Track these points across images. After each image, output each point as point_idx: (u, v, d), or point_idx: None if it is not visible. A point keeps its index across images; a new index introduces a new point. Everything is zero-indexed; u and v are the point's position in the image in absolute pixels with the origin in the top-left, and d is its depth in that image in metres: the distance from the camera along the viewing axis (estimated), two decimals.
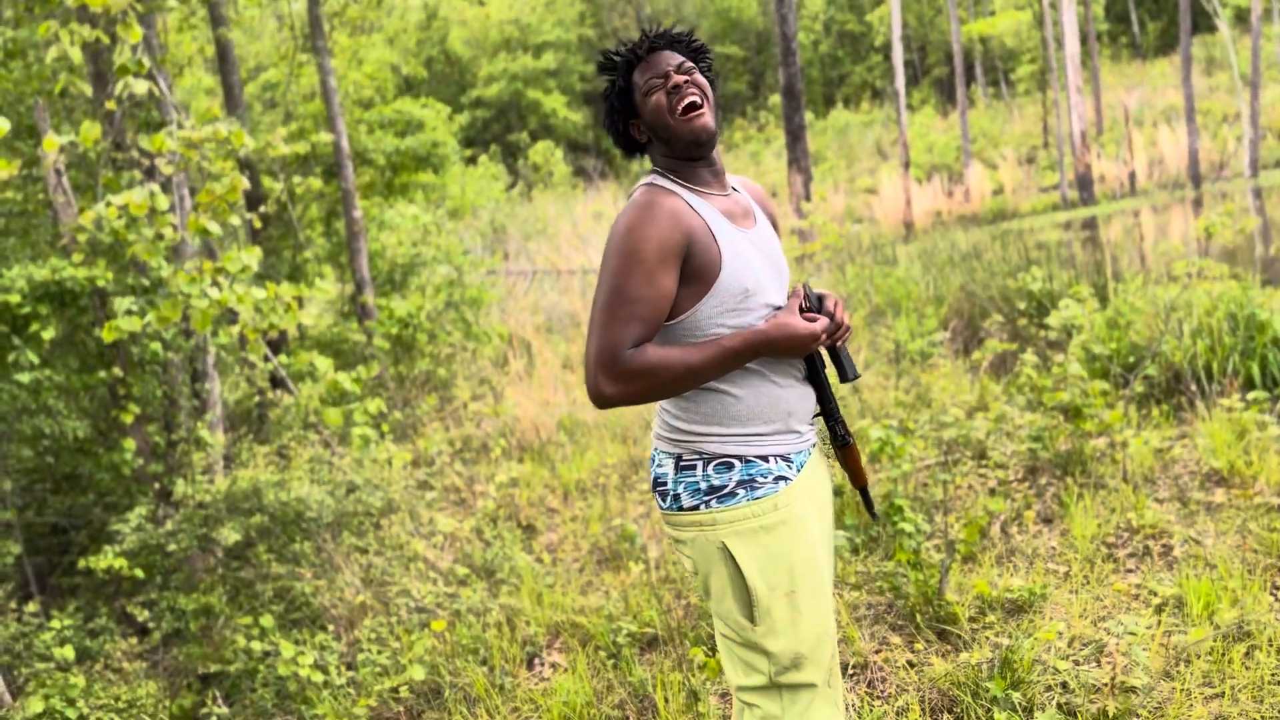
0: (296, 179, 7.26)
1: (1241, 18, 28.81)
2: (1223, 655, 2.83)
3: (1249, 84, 19.30)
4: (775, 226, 2.17)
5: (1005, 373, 6.16)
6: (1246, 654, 2.84)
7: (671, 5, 36.83)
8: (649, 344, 1.88)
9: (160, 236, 3.49)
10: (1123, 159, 20.27)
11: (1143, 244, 12.77)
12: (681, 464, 1.97)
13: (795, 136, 13.00)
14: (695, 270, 1.90)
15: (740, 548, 1.93)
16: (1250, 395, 4.46)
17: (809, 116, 30.64)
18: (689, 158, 1.99)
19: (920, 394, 5.55)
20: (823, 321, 1.93)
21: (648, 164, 2.07)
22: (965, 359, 6.59)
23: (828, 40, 40.14)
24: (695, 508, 1.95)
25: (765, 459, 1.97)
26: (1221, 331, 5.13)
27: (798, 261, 10.49)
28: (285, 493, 4.77)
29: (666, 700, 3.08)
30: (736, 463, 1.95)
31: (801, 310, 1.97)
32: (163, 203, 3.36)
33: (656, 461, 2.03)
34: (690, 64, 2.00)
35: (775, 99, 33.19)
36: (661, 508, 2.03)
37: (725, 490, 1.94)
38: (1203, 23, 31.23)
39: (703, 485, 1.95)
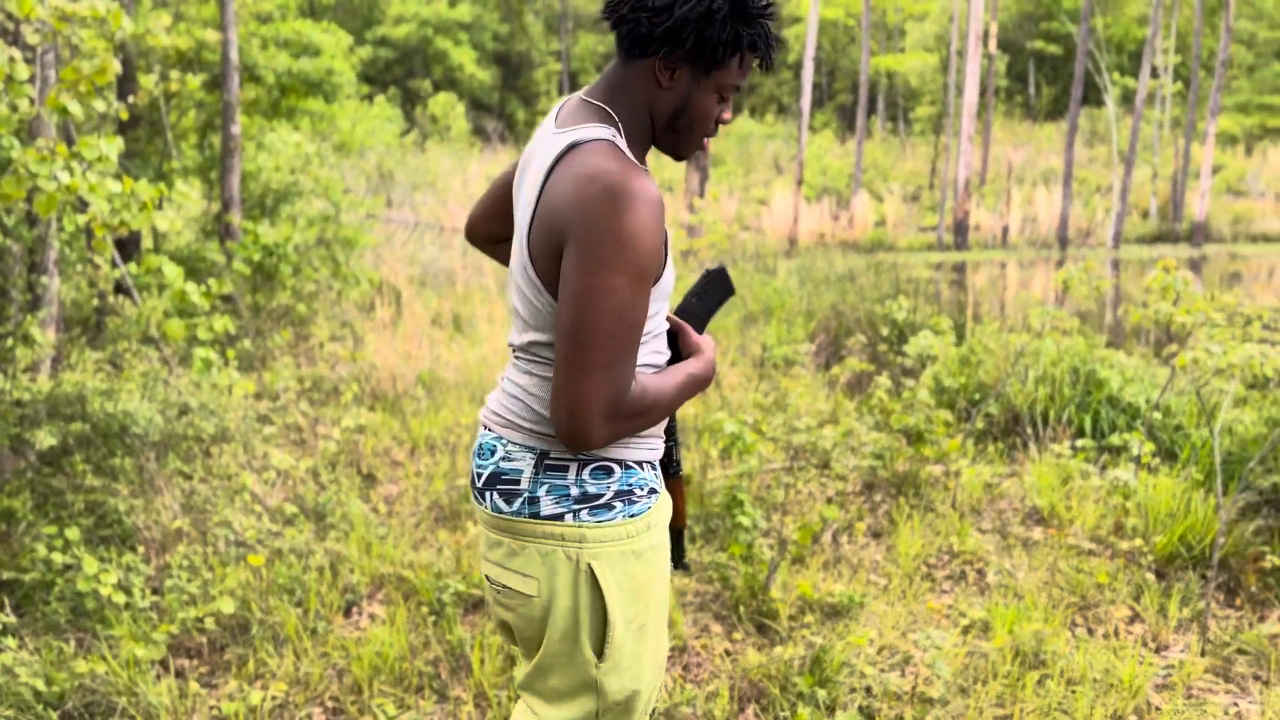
0: (174, 74, 6.85)
1: (1128, 98, 30.52)
2: (1017, 680, 2.97)
3: (1124, 161, 20.46)
4: None
5: (860, 392, 6.34)
6: (1039, 681, 2.99)
7: None
8: (627, 391, 1.56)
9: (14, 109, 3.22)
10: (1000, 211, 21.20)
11: (1005, 293, 13.40)
12: (548, 463, 1.65)
13: None
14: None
15: (608, 573, 1.65)
16: (1079, 443, 4.71)
17: None
18: (653, 144, 1.70)
19: (778, 399, 5.66)
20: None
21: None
22: (825, 373, 6.76)
23: None
24: (559, 517, 1.64)
25: (643, 465, 1.71)
26: (1063, 383, 5.41)
27: (683, 256, 10.57)
28: (112, 404, 4.50)
29: (483, 662, 3.04)
30: (616, 468, 1.67)
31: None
32: (22, 72, 3.10)
33: (500, 454, 1.69)
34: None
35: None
36: (503, 511, 1.68)
37: (600, 501, 1.65)
38: (1093, 96, 32.96)
39: (574, 491, 1.64)
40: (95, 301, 6.23)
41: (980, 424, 5.38)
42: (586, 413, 1.51)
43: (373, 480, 4.91)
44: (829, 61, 39.62)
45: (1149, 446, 4.36)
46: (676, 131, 1.66)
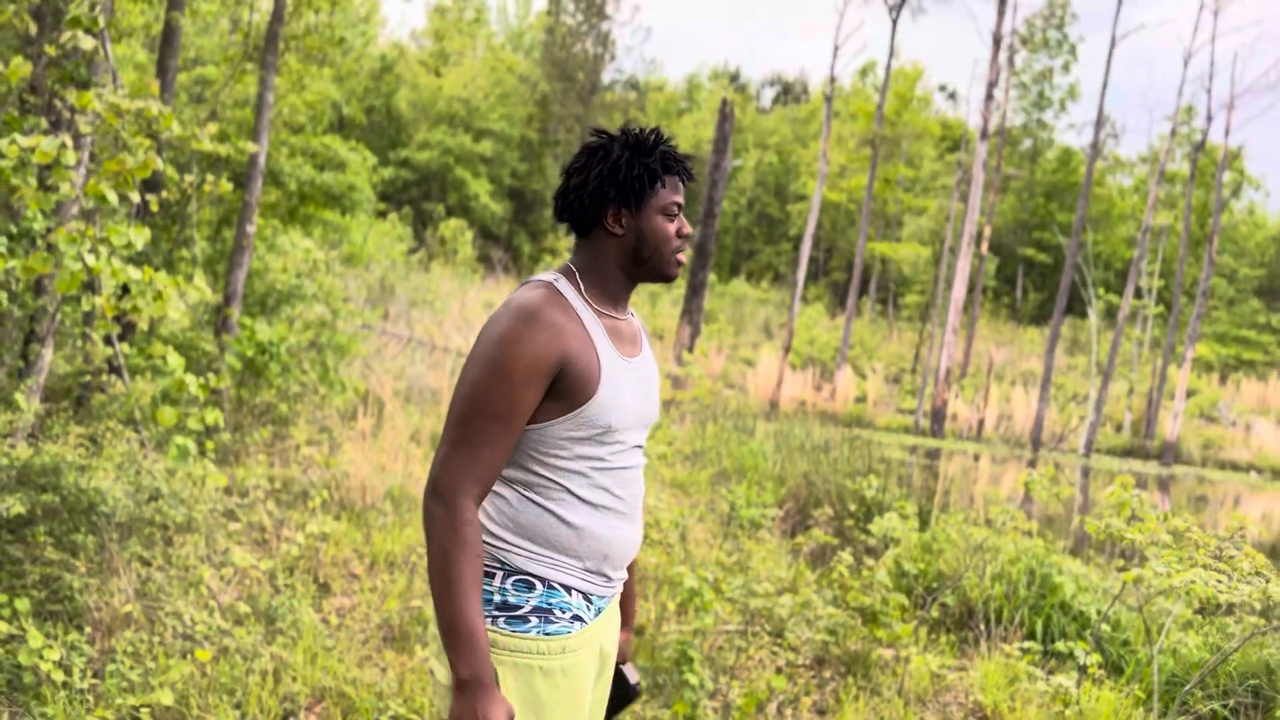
0: (209, 176, 7.16)
1: (1111, 313, 31.56)
2: None
3: (1103, 373, 21.03)
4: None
5: (823, 563, 6.40)
6: None
7: None
8: (477, 526, 1.74)
9: (53, 189, 3.40)
10: (977, 405, 21.63)
11: (974, 485, 13.56)
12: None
13: (695, 291, 13.49)
14: (564, 390, 1.78)
15: (510, 683, 1.76)
16: (1027, 645, 4.77)
17: (712, 278, 31.77)
18: (637, 280, 1.94)
19: (741, 560, 5.72)
20: None
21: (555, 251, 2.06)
22: (790, 540, 6.82)
23: (748, 215, 42.07)
24: (512, 632, 1.78)
25: (569, 590, 1.83)
26: (1019, 582, 5.49)
27: (665, 406, 10.74)
28: (86, 479, 4.54)
29: None
30: (538, 584, 1.80)
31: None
32: (70, 158, 3.29)
33: None
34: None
35: (687, 254, 34.34)
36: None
37: (518, 612, 1.79)
38: (1078, 307, 34.08)
39: (495, 598, 1.79)
40: (84, 377, 6.30)
41: (935, 613, 5.43)
42: (442, 477, 1.74)
43: (328, 590, 4.90)
44: (828, 239, 40.99)
45: (1095, 658, 4.42)
46: (647, 261, 1.92)
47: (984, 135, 20.47)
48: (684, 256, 1.94)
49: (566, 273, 1.90)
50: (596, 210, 1.88)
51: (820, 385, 22.91)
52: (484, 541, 1.80)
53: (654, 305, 28.40)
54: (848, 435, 14.17)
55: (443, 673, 1.82)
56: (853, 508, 7.65)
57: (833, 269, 41.38)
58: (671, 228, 1.91)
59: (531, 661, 1.77)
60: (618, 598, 2.00)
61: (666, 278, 1.94)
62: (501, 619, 1.77)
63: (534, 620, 1.78)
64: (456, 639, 1.68)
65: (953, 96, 41.69)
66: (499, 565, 1.80)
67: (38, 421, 5.80)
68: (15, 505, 4.30)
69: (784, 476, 8.86)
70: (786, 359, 21.00)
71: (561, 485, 1.82)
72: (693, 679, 3.63)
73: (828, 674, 4.61)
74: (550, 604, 1.79)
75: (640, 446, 1.94)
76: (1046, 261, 38.62)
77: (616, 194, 1.87)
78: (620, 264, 1.91)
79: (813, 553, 6.64)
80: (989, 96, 20.74)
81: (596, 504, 1.83)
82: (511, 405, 1.74)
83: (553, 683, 1.78)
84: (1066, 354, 30.27)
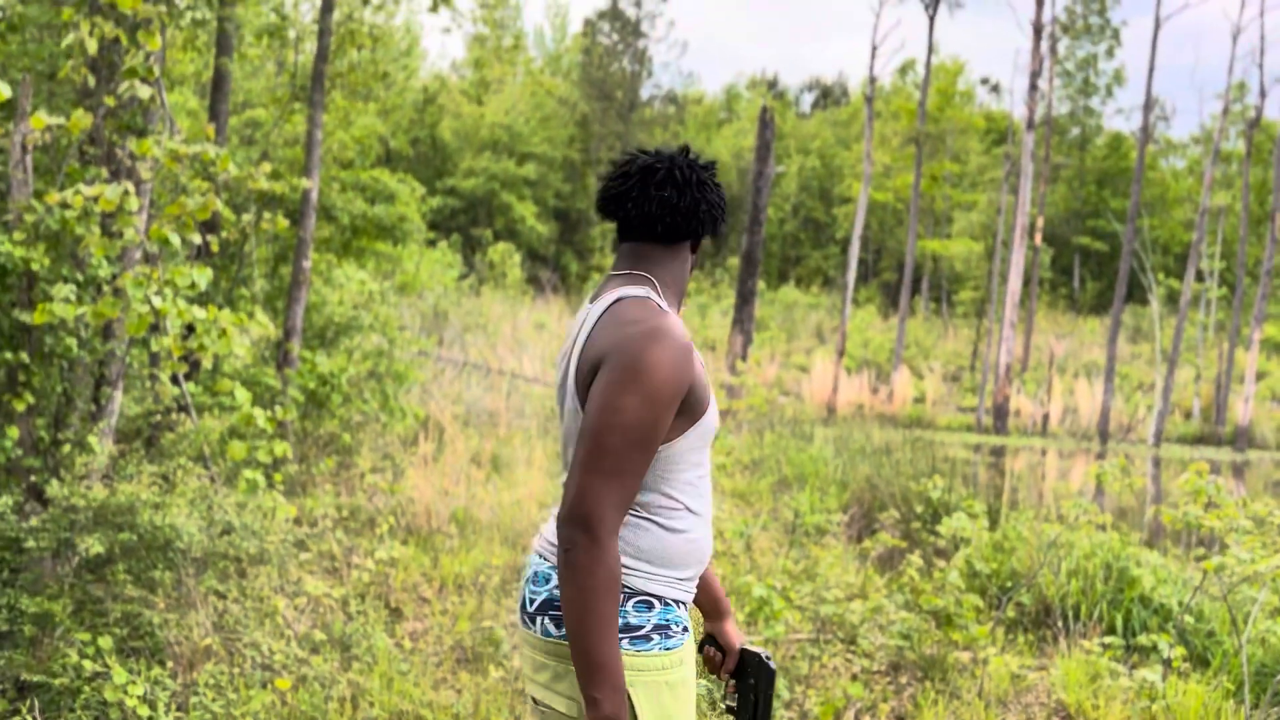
0: (266, 215, 7.34)
1: (1173, 299, 30.86)
2: None
3: (1168, 360, 20.55)
4: None
5: (892, 568, 6.32)
6: None
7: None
8: (620, 556, 1.76)
9: (117, 235, 3.50)
10: (1040, 399, 21.24)
11: (1043, 481, 13.31)
12: None
13: (745, 300, 13.46)
14: (689, 405, 1.81)
15: (644, 702, 1.77)
16: (1108, 640, 4.66)
17: (761, 285, 31.68)
18: (679, 306, 2.00)
19: (808, 568, 5.67)
20: None
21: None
22: (856, 545, 6.75)
23: (794, 221, 41.88)
24: (625, 644, 1.77)
25: (680, 604, 1.85)
26: (1096, 577, 5.37)
27: (721, 416, 10.72)
28: (161, 517, 4.65)
29: None
30: (656, 604, 1.82)
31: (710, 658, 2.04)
32: (133, 204, 3.39)
33: (554, 582, 1.83)
34: None
35: (734, 261, 34.28)
36: (552, 635, 1.81)
37: (640, 632, 1.79)
38: (1138, 294, 33.36)
39: (618, 621, 1.75)
40: (155, 418, 6.46)
41: (1011, 613, 5.33)
42: (591, 510, 1.70)
43: (399, 615, 4.96)
44: (876, 240, 40.65)
45: (1179, 650, 4.31)
46: (681, 287, 2.01)
47: (1030, 126, 20.18)
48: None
49: (649, 284, 1.93)
50: (693, 228, 1.95)
51: (877, 388, 22.68)
52: None
53: (704, 317, 28.38)
54: (908, 436, 14.01)
55: (562, 704, 1.82)
56: (919, 509, 7.55)
57: (883, 270, 41.01)
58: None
59: (659, 678, 1.80)
60: None
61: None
62: (626, 640, 1.78)
63: (656, 638, 1.81)
64: (599, 675, 1.68)
65: (996, 89, 41.20)
66: (622, 589, 1.79)
67: (111, 463, 5.95)
68: (95, 545, 4.42)
69: (846, 481, 8.77)
70: (841, 363, 20.83)
71: (679, 500, 1.85)
72: None
73: (904, 679, 4.54)
74: (668, 620, 1.83)
75: None
76: (1103, 249, 37.90)
77: (712, 219, 1.97)
78: (681, 285, 2.00)
79: (880, 557, 6.56)
80: (1033, 87, 20.45)
81: (700, 512, 1.89)
82: (657, 432, 1.75)
83: (677, 695, 1.82)
84: (1129, 342, 29.64)
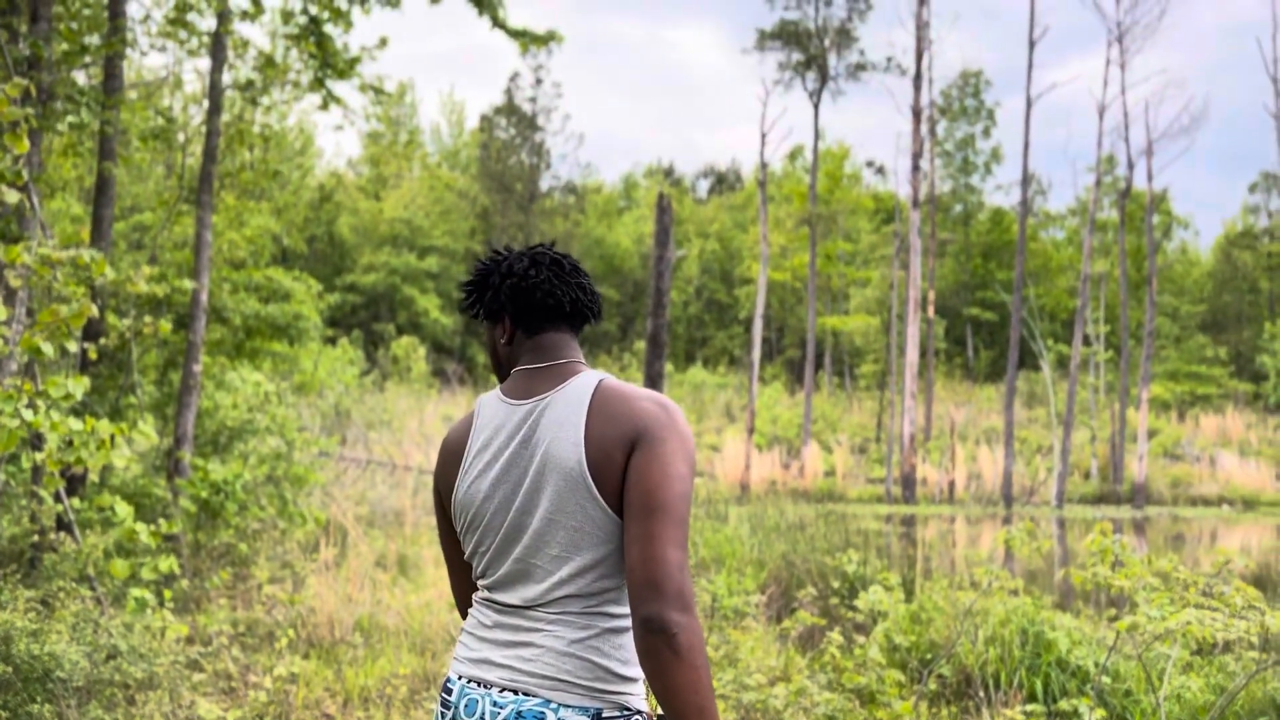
0: (147, 319, 7.09)
1: (1063, 363, 32.07)
2: None
3: (1063, 423, 21.25)
4: None
5: (812, 645, 6.25)
6: None
7: (562, 239, 38.60)
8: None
9: None
10: (945, 467, 21.69)
11: (954, 549, 13.49)
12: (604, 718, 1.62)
13: (653, 382, 13.46)
14: None
15: None
16: (1029, 708, 4.65)
17: (669, 367, 31.91)
18: None
19: (729, 653, 5.56)
20: None
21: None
22: (776, 625, 6.67)
23: (697, 303, 42.55)
24: None
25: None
26: (1012, 643, 5.39)
27: None
28: (39, 645, 4.32)
29: None
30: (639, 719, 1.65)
31: None
32: (2, 313, 3.21)
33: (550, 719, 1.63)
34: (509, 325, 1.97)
35: (640, 345, 34.55)
36: None
37: None
38: (1029, 360, 34.60)
39: None
40: (33, 538, 6.08)
41: (933, 685, 5.29)
42: (683, 585, 1.54)
43: None
44: (778, 318, 41.49)
45: (1100, 713, 4.32)
46: None
47: (915, 204, 20.99)
48: None
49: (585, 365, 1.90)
50: (595, 312, 1.92)
51: (788, 463, 22.88)
52: (609, 692, 1.63)
53: None
54: (822, 511, 14.09)
55: None
56: (835, 585, 7.53)
57: (786, 347, 41.79)
58: None
59: None
60: None
61: None
62: None
63: None
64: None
65: (880, 171, 42.89)
66: (623, 712, 1.63)
67: None
68: None
69: (763, 560, 8.73)
70: (751, 440, 20.99)
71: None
72: None
73: None
74: None
75: None
76: (993, 319, 39.34)
77: (599, 306, 1.94)
78: None
79: (801, 636, 6.49)
80: (915, 167, 21.34)
81: None
82: None
83: None
84: (1025, 407, 30.62)
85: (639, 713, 1.65)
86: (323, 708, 4.99)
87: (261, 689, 4.94)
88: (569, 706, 1.61)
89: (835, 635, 5.29)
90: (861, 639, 5.37)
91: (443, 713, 1.73)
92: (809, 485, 20.86)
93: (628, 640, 1.66)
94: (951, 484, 21.07)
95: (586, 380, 1.75)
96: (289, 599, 6.71)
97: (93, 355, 3.99)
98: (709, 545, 9.44)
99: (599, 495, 1.65)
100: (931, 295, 26.33)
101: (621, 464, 1.65)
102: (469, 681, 1.71)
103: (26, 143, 3.30)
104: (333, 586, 7.05)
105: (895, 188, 32.12)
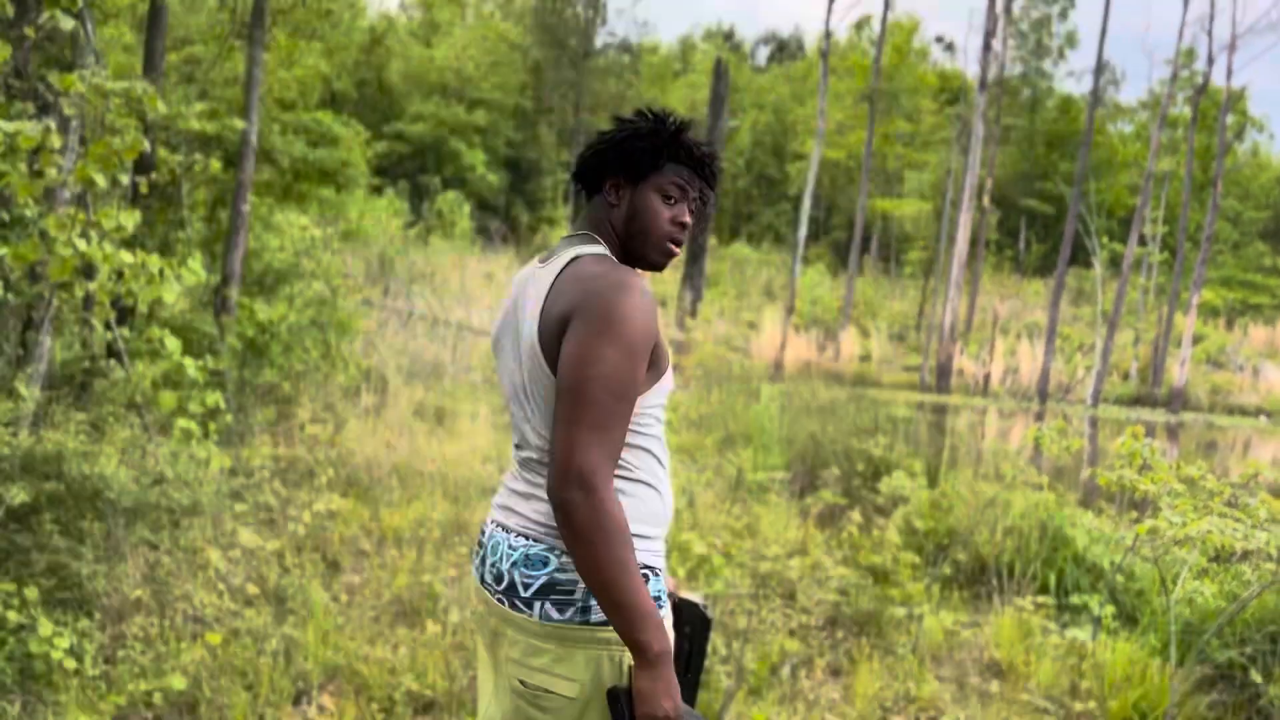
0: (197, 156, 7.10)
1: (1115, 262, 31.38)
2: None
3: (1108, 322, 20.94)
4: None
5: (833, 524, 6.38)
6: None
7: (613, 101, 37.80)
8: (618, 500, 1.69)
9: (40, 174, 3.34)
10: (983, 359, 21.56)
11: (982, 440, 13.54)
12: None
13: (695, 255, 13.41)
14: (654, 359, 1.79)
15: (622, 675, 1.74)
16: (1041, 599, 4.75)
17: (712, 241, 31.63)
18: (628, 262, 1.90)
19: (750, 524, 5.70)
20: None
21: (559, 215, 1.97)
22: (799, 501, 6.81)
23: (747, 177, 41.79)
24: (608, 623, 1.71)
25: (657, 573, 1.81)
26: (1030, 537, 5.47)
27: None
28: (89, 466, 4.52)
29: None
30: (650, 575, 1.78)
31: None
32: (56, 141, 3.24)
33: (555, 565, 1.77)
34: (699, 200, 1.92)
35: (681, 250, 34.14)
36: (553, 619, 1.75)
37: None
38: (1081, 257, 33.86)
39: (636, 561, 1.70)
40: (85, 364, 6.27)
41: (947, 570, 5.41)
42: (577, 466, 1.64)
43: (337, 568, 4.89)
44: (827, 198, 40.74)
45: (1110, 609, 4.41)
46: (634, 237, 1.88)
47: (982, 86, 20.25)
48: (676, 249, 1.88)
49: (598, 243, 1.89)
50: (598, 175, 1.90)
51: (824, 345, 22.86)
52: None
53: (654, 279, 28.29)
54: (854, 394, 14.14)
55: (565, 686, 1.76)
56: (860, 467, 7.62)
57: (834, 228, 41.17)
58: (666, 211, 1.88)
59: None
60: None
61: (651, 264, 1.90)
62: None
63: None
64: (638, 619, 1.64)
65: (950, 48, 41.28)
66: None
67: (40, 410, 5.77)
68: (19, 494, 4.28)
69: (791, 439, 8.83)
70: (790, 320, 20.93)
71: (653, 455, 1.83)
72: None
73: (841, 634, 4.60)
74: (658, 592, 1.79)
75: None
76: (1049, 212, 38.38)
77: (621, 162, 1.87)
78: (620, 236, 1.90)
79: (822, 514, 6.62)
80: (986, 46, 20.49)
81: (666, 466, 1.86)
82: (636, 382, 1.72)
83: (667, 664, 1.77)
84: (1071, 305, 30.16)
85: (646, 567, 1.78)
86: (358, 544, 5.21)
87: (300, 522, 5.16)
88: (562, 551, 1.76)
89: (855, 515, 5.40)
90: (881, 521, 5.47)
91: (477, 550, 1.91)
92: (844, 368, 20.88)
93: (628, 497, 1.77)
94: (987, 376, 20.98)
95: (569, 255, 1.82)
96: (329, 440, 6.93)
97: (144, 189, 4.02)
98: (739, 421, 9.55)
99: (548, 371, 1.77)
100: (990, 184, 25.66)
101: (557, 343, 1.75)
102: (496, 525, 1.88)
103: None
104: (372, 432, 7.26)
105: (964, 67, 30.90)
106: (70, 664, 3.42)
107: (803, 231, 21.43)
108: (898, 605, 4.80)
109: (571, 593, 1.75)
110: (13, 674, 3.51)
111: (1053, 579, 5.24)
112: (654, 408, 1.82)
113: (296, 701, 3.51)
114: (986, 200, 25.21)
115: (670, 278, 26.44)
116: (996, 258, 38.03)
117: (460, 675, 3.63)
